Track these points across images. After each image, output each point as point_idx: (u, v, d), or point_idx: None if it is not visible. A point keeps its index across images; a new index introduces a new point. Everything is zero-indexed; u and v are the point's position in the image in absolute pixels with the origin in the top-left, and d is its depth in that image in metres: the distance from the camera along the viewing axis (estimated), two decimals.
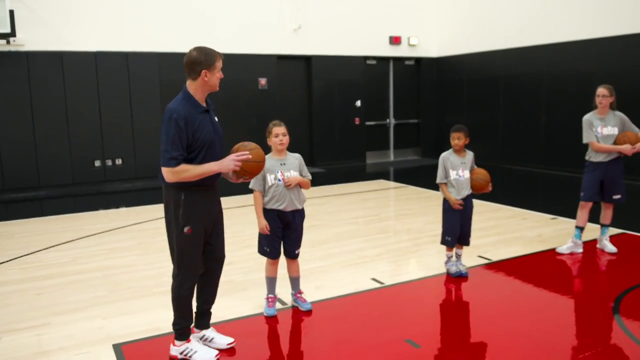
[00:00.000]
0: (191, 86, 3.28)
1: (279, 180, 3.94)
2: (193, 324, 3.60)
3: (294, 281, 4.26)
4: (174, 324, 3.45)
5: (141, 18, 10.55)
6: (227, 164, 3.22)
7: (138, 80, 10.56)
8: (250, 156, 3.27)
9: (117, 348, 3.62)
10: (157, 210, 7.95)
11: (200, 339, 3.60)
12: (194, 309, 3.58)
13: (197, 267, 3.40)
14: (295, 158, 4.08)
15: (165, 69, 10.70)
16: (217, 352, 3.46)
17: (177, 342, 3.46)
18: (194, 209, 3.28)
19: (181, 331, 3.45)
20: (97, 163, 10.40)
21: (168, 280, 4.87)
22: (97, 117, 10.28)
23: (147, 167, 10.71)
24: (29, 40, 9.62)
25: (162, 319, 4.02)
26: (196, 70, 3.22)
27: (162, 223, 7.11)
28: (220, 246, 3.55)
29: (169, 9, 10.79)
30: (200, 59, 3.20)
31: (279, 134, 3.96)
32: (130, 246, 6.15)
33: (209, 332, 3.64)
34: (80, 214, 8.06)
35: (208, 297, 3.61)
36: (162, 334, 3.79)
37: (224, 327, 3.89)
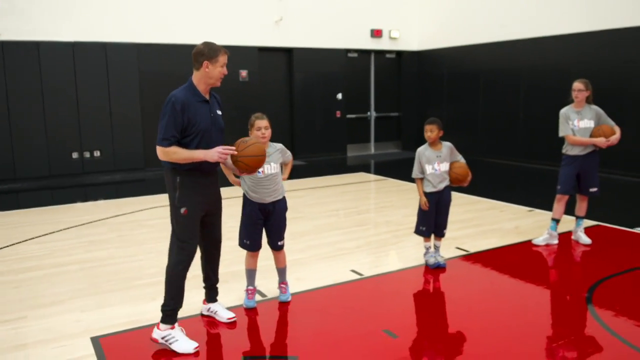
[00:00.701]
0: (195, 77, 3.51)
1: (259, 172, 3.94)
2: (204, 298, 3.96)
3: (280, 272, 4.28)
4: (163, 305, 3.52)
5: (120, 8, 10.40)
6: (211, 154, 3.40)
7: (117, 71, 10.42)
8: (235, 152, 3.46)
9: (96, 341, 3.60)
10: (136, 203, 7.90)
11: (208, 310, 3.93)
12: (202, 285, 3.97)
13: (192, 248, 3.57)
14: (276, 149, 4.08)
15: (144, 60, 10.58)
16: (197, 344, 3.46)
17: (161, 326, 3.51)
18: (189, 192, 3.48)
19: (169, 313, 3.51)
20: (75, 155, 10.26)
21: (148, 273, 4.88)
22: (75, 108, 10.13)
23: (126, 159, 10.62)
24: (4, 29, 9.42)
25: (141, 312, 4.02)
26: (199, 61, 3.46)
27: (141, 215, 7.13)
28: (217, 228, 3.82)
29: None
30: (203, 51, 3.46)
31: (261, 127, 3.95)
32: (109, 239, 6.10)
33: (214, 306, 3.94)
34: (58, 206, 7.96)
35: (209, 275, 3.91)
36: (141, 326, 3.79)
37: (204, 318, 3.92)
